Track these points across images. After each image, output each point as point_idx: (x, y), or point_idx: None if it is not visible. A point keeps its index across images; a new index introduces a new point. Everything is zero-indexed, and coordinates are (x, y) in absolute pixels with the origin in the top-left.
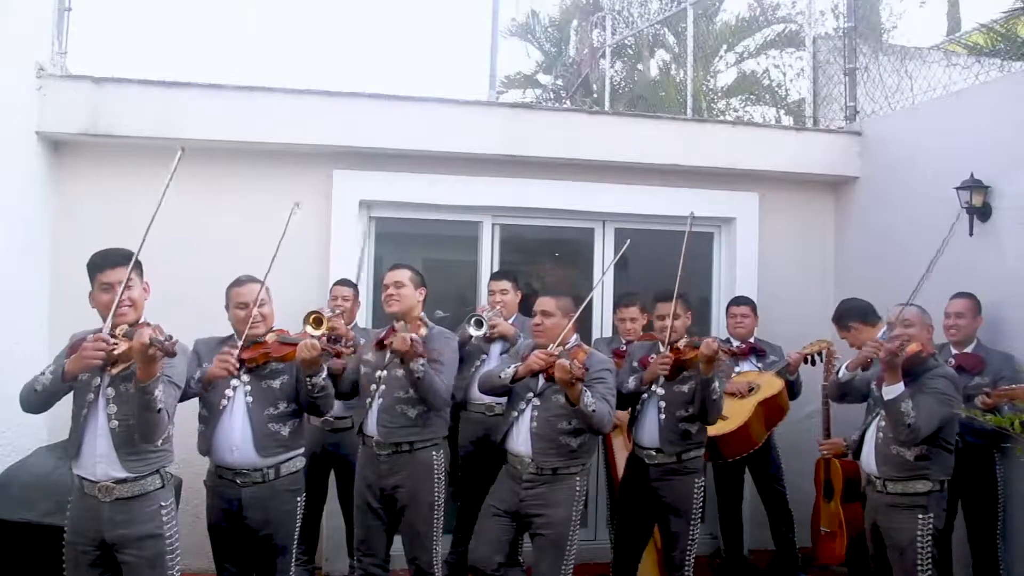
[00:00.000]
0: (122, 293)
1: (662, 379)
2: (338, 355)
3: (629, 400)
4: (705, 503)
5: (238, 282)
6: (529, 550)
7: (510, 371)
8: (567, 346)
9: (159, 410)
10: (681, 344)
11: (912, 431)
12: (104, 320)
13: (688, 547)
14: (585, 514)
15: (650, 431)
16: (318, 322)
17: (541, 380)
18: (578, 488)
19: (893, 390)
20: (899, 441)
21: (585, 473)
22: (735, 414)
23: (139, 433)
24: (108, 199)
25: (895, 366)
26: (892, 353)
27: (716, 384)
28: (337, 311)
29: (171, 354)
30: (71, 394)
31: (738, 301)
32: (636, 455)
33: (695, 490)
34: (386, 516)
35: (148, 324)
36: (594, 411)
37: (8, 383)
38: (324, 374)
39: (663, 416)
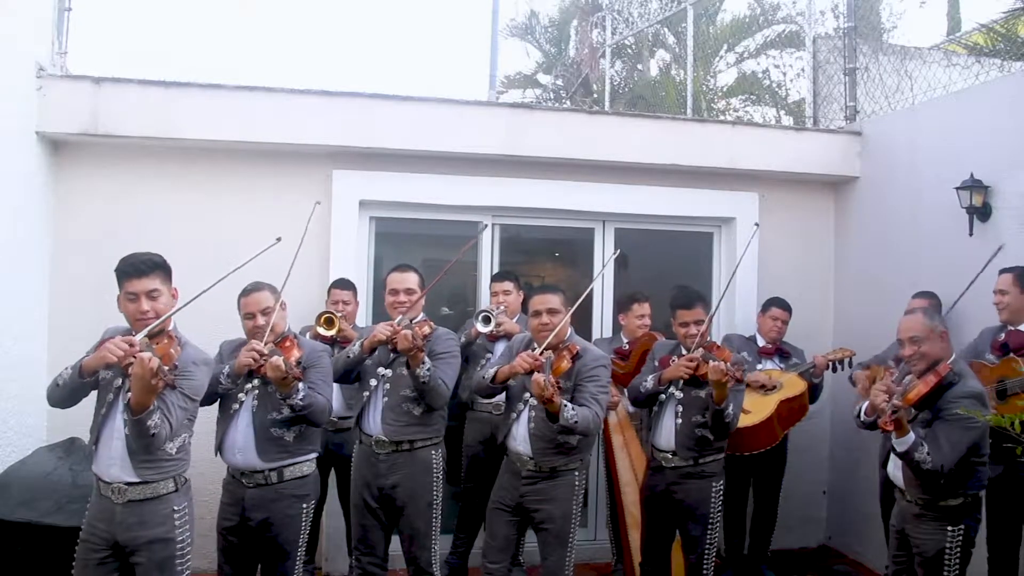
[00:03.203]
0: (146, 304)
1: (680, 383)
2: (298, 379)
3: (647, 402)
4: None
5: (245, 291)
6: (529, 549)
7: (491, 371)
8: (564, 342)
9: (153, 435)
10: (698, 354)
11: (931, 475)
12: (130, 325)
13: (706, 551)
14: (585, 514)
15: (667, 434)
16: (329, 322)
17: None
18: (577, 483)
19: (903, 442)
20: (922, 483)
21: (584, 467)
22: (758, 409)
23: (136, 447)
24: (108, 199)
25: (899, 420)
26: (886, 427)
27: (729, 409)
28: (339, 315)
29: (172, 386)
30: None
31: (781, 304)
32: (654, 457)
33: (713, 494)
34: (384, 515)
35: (170, 337)
36: (576, 422)
37: (8, 383)
38: (300, 396)
39: (679, 420)
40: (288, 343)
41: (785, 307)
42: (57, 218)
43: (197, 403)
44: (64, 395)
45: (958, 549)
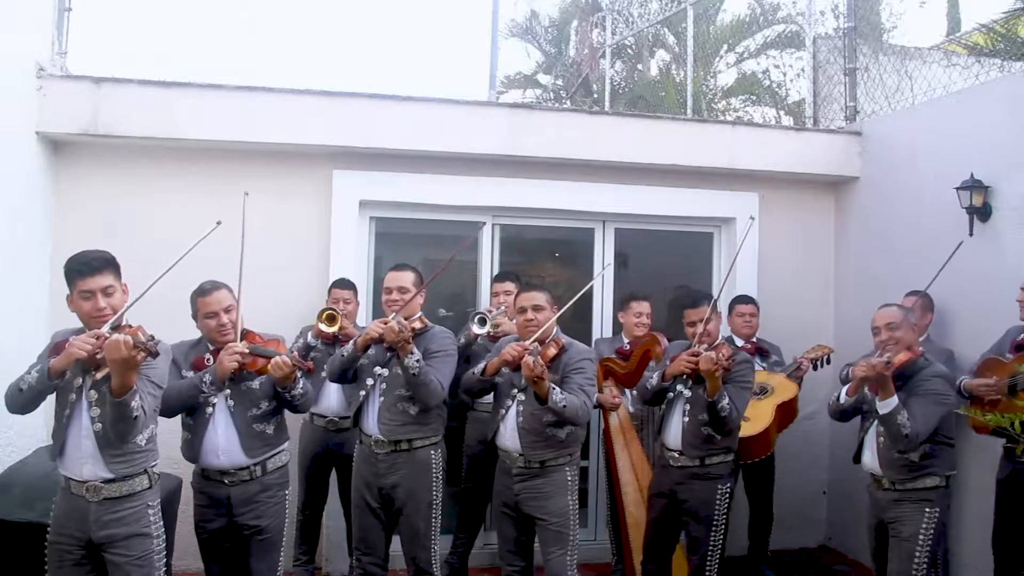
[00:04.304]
0: (103, 301)
1: (689, 381)
2: (310, 371)
3: (656, 399)
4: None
5: (202, 291)
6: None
7: (482, 365)
8: (549, 338)
9: (135, 417)
10: (703, 349)
11: (910, 440)
12: (84, 324)
13: (709, 554)
14: (585, 514)
15: (674, 433)
16: (332, 319)
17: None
18: (570, 478)
19: (887, 404)
20: (899, 450)
21: (575, 462)
22: (757, 416)
23: (114, 435)
24: (108, 199)
25: (886, 382)
26: (881, 373)
27: (724, 403)
28: (341, 312)
29: (155, 354)
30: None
31: (745, 300)
32: (662, 455)
33: (718, 496)
34: (385, 515)
35: (129, 326)
36: (565, 407)
37: (7, 383)
38: (300, 385)
39: (687, 419)
40: (260, 339)
41: (750, 302)
42: (57, 218)
43: (162, 392)
44: (28, 400)
45: (932, 531)
